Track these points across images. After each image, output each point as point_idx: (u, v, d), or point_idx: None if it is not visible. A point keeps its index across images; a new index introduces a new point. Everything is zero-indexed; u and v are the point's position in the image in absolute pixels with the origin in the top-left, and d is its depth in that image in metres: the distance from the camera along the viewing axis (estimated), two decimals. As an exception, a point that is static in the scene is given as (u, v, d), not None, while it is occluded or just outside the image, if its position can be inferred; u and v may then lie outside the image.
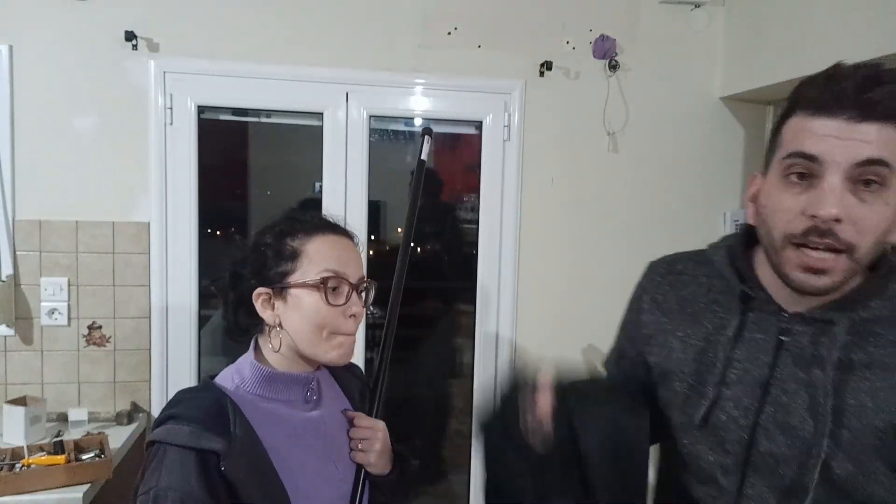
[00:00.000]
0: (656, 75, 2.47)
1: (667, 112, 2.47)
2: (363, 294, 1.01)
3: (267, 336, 0.99)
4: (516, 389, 0.85)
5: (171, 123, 2.23)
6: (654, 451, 0.96)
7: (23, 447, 1.82)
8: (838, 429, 0.79)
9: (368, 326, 2.43)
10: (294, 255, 0.95)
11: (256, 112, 2.40)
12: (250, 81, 2.26)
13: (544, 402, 0.83)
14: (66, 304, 2.20)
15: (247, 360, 1.00)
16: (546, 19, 2.39)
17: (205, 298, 2.29)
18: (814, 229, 0.75)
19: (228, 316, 1.01)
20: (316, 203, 2.38)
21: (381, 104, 2.37)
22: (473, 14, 2.36)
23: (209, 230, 2.32)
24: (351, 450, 1.03)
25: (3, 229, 2.14)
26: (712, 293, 0.91)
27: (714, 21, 2.49)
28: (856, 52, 1.84)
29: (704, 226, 2.43)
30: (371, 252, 2.48)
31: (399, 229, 2.70)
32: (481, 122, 2.43)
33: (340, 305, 0.95)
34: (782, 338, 0.84)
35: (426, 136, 1.25)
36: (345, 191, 2.35)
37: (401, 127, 2.55)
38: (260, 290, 0.96)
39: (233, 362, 1.02)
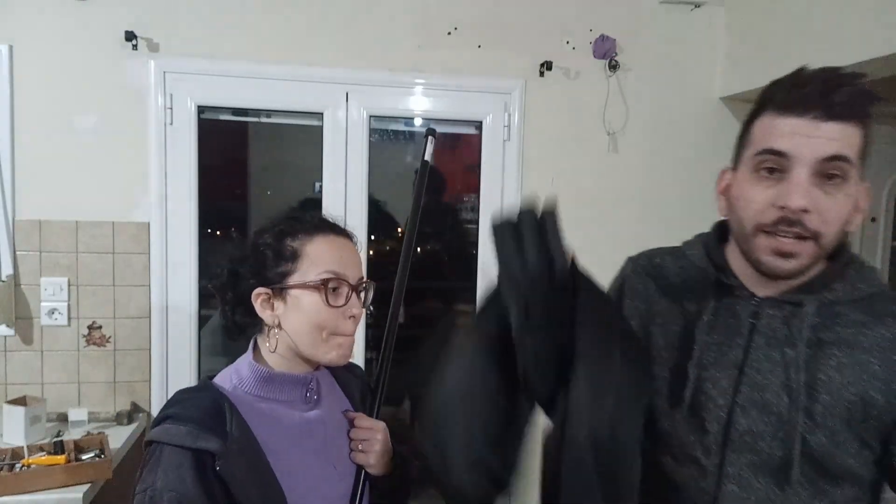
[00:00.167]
0: (656, 75, 2.47)
1: (667, 112, 2.48)
2: (362, 294, 1.01)
3: (265, 336, 0.99)
4: (546, 215, 0.79)
5: (171, 123, 2.23)
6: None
7: (23, 447, 1.82)
8: (811, 403, 0.84)
9: (368, 326, 2.42)
10: (294, 256, 0.95)
11: (256, 112, 2.40)
12: (250, 81, 2.26)
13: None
14: (66, 304, 2.20)
15: (245, 360, 1.00)
16: (546, 19, 2.39)
17: (205, 298, 2.29)
18: (783, 219, 0.81)
19: (226, 315, 1.01)
20: (316, 203, 2.38)
21: (381, 104, 2.37)
22: (473, 14, 2.36)
23: (209, 230, 2.32)
24: (351, 450, 1.03)
25: (3, 229, 2.14)
26: (688, 283, 0.96)
27: (714, 21, 2.49)
28: (856, 51, 1.84)
29: (704, 225, 2.40)
30: (371, 252, 2.48)
31: (400, 230, 2.71)
32: (481, 122, 2.43)
33: (340, 306, 0.95)
34: (755, 321, 0.89)
35: (430, 137, 1.25)
36: (345, 191, 2.35)
37: (401, 127, 2.55)
38: (259, 290, 0.95)
39: (233, 362, 1.02)
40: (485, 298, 0.84)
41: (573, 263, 0.82)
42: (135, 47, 2.16)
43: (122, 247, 2.23)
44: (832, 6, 1.94)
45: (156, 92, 2.20)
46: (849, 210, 0.84)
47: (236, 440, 0.87)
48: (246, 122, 2.51)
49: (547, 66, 2.38)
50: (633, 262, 1.07)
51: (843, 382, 0.84)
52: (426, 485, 1.10)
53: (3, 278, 2.15)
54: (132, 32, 2.14)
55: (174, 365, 2.28)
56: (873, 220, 2.76)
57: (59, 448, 1.83)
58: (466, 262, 2.55)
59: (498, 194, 2.43)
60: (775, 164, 0.83)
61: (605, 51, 2.39)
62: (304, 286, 0.94)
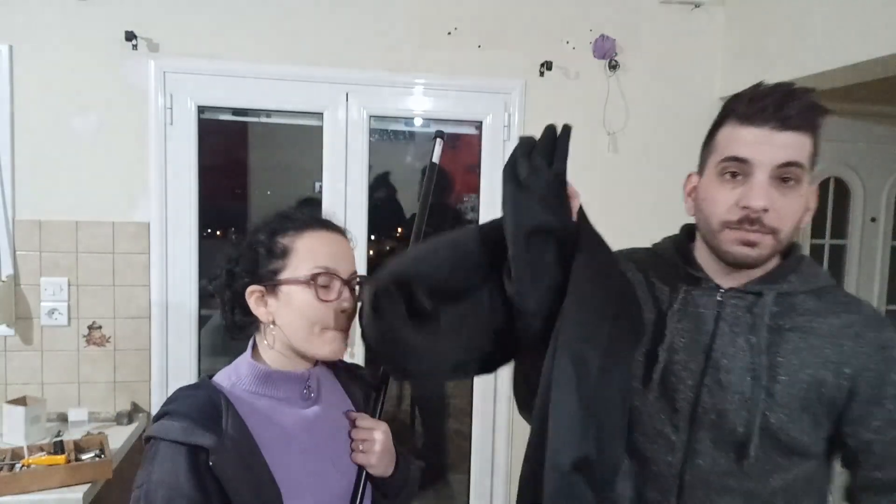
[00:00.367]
0: (656, 75, 2.47)
1: (667, 112, 2.48)
2: (356, 289, 1.01)
3: (263, 334, 1.00)
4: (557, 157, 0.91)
5: (171, 123, 2.23)
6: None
7: (23, 447, 1.82)
8: (772, 384, 0.94)
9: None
10: (285, 253, 0.96)
11: (256, 112, 2.40)
12: (250, 81, 2.26)
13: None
14: (66, 304, 2.20)
15: (244, 359, 1.01)
16: (546, 19, 2.39)
17: (205, 298, 2.29)
18: (746, 218, 0.92)
19: (226, 314, 1.02)
20: (315, 202, 2.38)
21: (381, 104, 2.37)
22: (473, 14, 2.36)
23: (209, 230, 2.32)
24: (352, 451, 1.03)
25: (3, 229, 2.14)
26: (661, 276, 1.07)
27: (714, 21, 2.49)
28: (855, 51, 1.84)
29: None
30: (371, 252, 2.48)
31: (400, 230, 2.71)
32: (481, 122, 2.43)
33: (331, 301, 0.96)
34: (720, 310, 0.99)
35: (438, 139, 1.25)
36: (345, 191, 2.35)
37: (401, 127, 2.55)
38: (252, 287, 0.97)
39: (233, 362, 1.03)
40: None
41: (580, 211, 0.95)
42: (135, 47, 2.16)
43: (122, 247, 2.23)
44: (832, 6, 1.94)
45: (156, 92, 2.20)
46: (801, 209, 0.95)
47: (231, 436, 0.88)
48: (246, 122, 2.51)
49: (547, 66, 2.38)
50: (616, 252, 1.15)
51: (799, 365, 0.94)
52: (424, 485, 1.10)
53: (3, 278, 2.15)
54: (132, 32, 2.14)
55: (174, 365, 2.28)
56: (873, 220, 2.76)
57: (59, 448, 1.83)
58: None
59: (498, 194, 2.43)
60: (738, 170, 0.93)
61: (605, 51, 2.39)
62: (294, 282, 0.95)
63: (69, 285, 2.20)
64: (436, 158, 1.22)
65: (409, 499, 1.12)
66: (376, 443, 1.03)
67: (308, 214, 1.01)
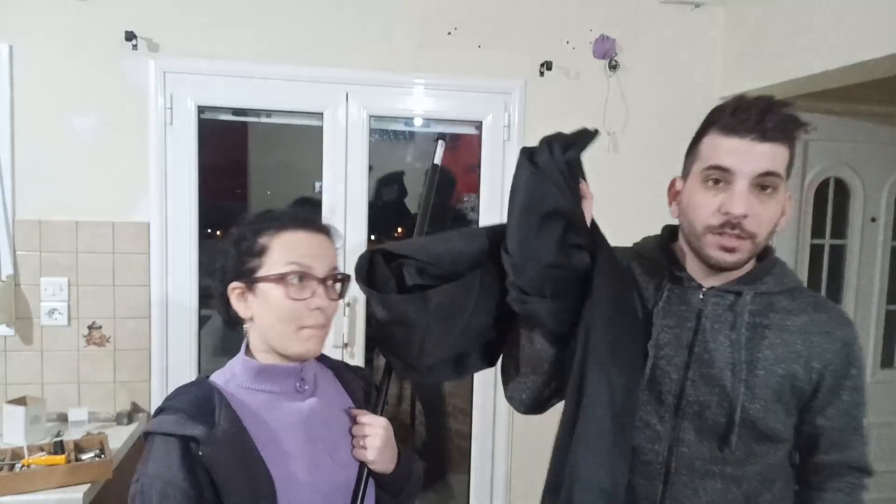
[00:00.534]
0: (656, 75, 2.47)
1: (667, 112, 2.47)
2: (338, 286, 1.03)
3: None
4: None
5: (171, 123, 2.23)
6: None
7: (23, 447, 1.83)
8: (750, 377, 1.01)
9: (369, 326, 2.42)
10: (262, 251, 0.98)
11: (256, 112, 2.40)
12: (250, 81, 2.26)
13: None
14: (66, 304, 2.20)
15: (238, 356, 1.03)
16: (546, 19, 2.39)
17: (205, 298, 2.29)
18: (727, 223, 0.98)
19: (220, 310, 1.05)
20: (309, 200, 2.39)
21: (381, 104, 2.37)
22: (473, 14, 2.36)
23: (209, 230, 2.32)
24: (353, 447, 1.04)
25: (3, 229, 2.14)
26: (645, 275, 1.12)
27: (714, 21, 2.49)
28: (855, 51, 1.84)
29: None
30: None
31: (400, 229, 2.71)
32: (481, 122, 2.43)
33: (303, 299, 0.97)
34: (702, 308, 1.06)
35: (440, 142, 1.27)
36: (345, 191, 2.35)
37: (401, 127, 2.55)
38: (233, 284, 0.99)
39: None
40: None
41: (594, 224, 1.03)
42: (135, 47, 2.16)
43: (122, 247, 2.23)
44: (832, 6, 1.94)
45: (156, 92, 2.20)
46: (778, 214, 1.01)
47: (223, 428, 0.90)
48: (246, 122, 2.51)
49: (547, 66, 2.38)
50: None
51: (774, 360, 1.02)
52: (425, 486, 1.12)
53: (3, 278, 2.15)
54: (132, 32, 2.14)
55: (174, 365, 2.29)
56: (873, 220, 2.76)
57: (59, 448, 1.83)
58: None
59: (498, 194, 2.43)
60: (720, 177, 0.99)
61: (605, 51, 2.39)
62: (268, 280, 0.97)
63: (69, 285, 2.20)
64: (437, 160, 1.24)
65: (412, 496, 1.13)
66: (377, 438, 1.03)
67: (289, 213, 1.03)
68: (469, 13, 2.36)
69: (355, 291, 2.47)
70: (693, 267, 1.08)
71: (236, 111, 2.38)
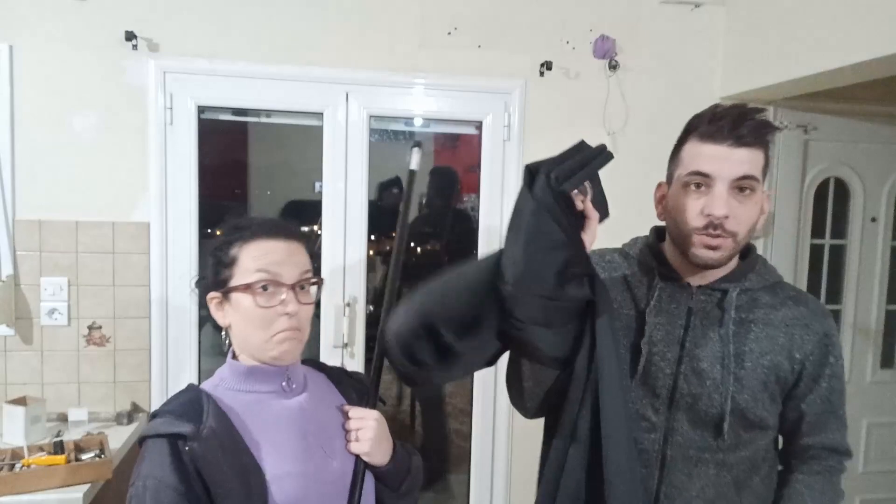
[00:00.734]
0: (656, 75, 2.47)
1: (667, 112, 2.47)
2: (313, 289, 1.06)
3: None
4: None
5: (171, 123, 2.23)
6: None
7: (23, 447, 1.82)
8: (738, 370, 1.09)
9: (369, 326, 2.42)
10: (232, 262, 1.03)
11: (256, 112, 2.40)
12: (250, 81, 2.26)
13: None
14: (66, 304, 2.20)
15: (227, 362, 1.07)
16: (546, 19, 2.39)
17: (204, 299, 2.28)
18: (710, 224, 1.05)
19: (209, 316, 1.09)
20: (301, 203, 2.43)
21: (381, 104, 2.37)
22: (473, 14, 2.36)
23: (209, 230, 2.32)
24: (347, 441, 1.06)
25: (3, 229, 2.14)
26: (636, 275, 1.19)
27: (714, 21, 2.49)
28: (855, 52, 1.84)
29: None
30: (371, 252, 2.48)
31: (393, 233, 2.70)
32: (481, 122, 2.43)
33: (271, 307, 1.00)
34: (691, 305, 1.12)
35: (415, 148, 1.31)
36: (345, 191, 2.35)
37: (401, 127, 2.55)
38: (211, 294, 1.05)
39: None
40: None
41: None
42: (135, 47, 2.16)
43: (122, 247, 2.23)
44: (832, 6, 1.94)
45: (156, 92, 2.20)
46: (757, 213, 1.08)
47: (210, 426, 0.93)
48: (246, 122, 2.51)
49: (547, 66, 2.38)
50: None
51: (760, 352, 1.10)
52: (425, 486, 1.13)
53: (3, 278, 2.15)
54: (132, 32, 2.14)
55: (174, 365, 2.29)
56: (873, 220, 2.76)
57: (59, 448, 1.83)
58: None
59: (498, 194, 2.43)
60: (701, 182, 1.06)
61: (605, 51, 2.39)
62: (237, 289, 1.01)
63: (69, 285, 2.20)
64: (414, 166, 1.27)
65: (412, 489, 1.14)
66: (369, 430, 1.05)
67: (257, 223, 1.06)
68: (469, 13, 2.36)
69: (355, 292, 2.48)
70: (681, 266, 1.14)
71: (236, 111, 2.38)
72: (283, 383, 1.05)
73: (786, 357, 1.10)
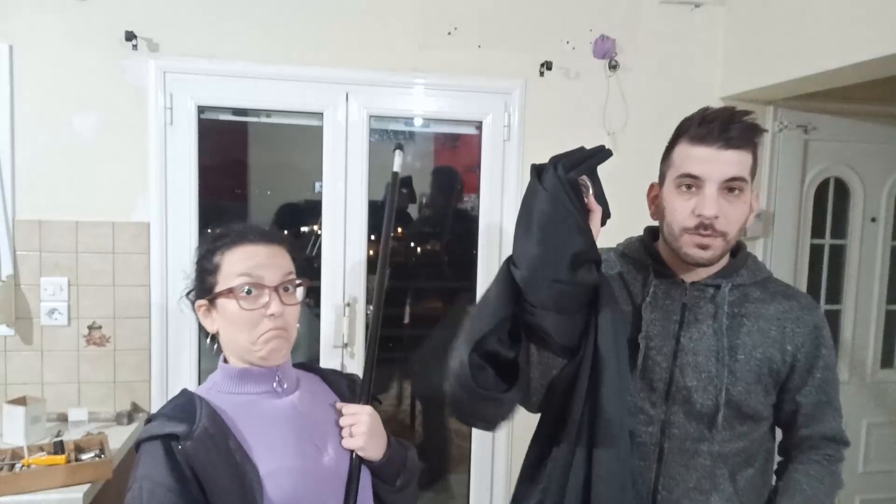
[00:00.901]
0: (656, 75, 2.47)
1: (667, 112, 2.46)
2: (299, 290, 1.07)
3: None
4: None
5: (171, 123, 2.23)
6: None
7: (23, 447, 1.82)
8: (732, 363, 1.12)
9: (367, 326, 2.42)
10: (216, 268, 1.05)
11: (256, 112, 2.40)
12: (250, 81, 2.26)
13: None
14: (66, 304, 2.20)
15: (219, 367, 1.09)
16: (546, 19, 2.39)
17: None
18: (701, 224, 1.08)
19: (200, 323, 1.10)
20: (295, 206, 2.47)
21: (381, 104, 2.37)
22: (473, 14, 2.36)
23: (209, 230, 2.31)
24: (342, 437, 1.07)
25: (3, 229, 2.14)
26: (632, 272, 1.23)
27: (714, 21, 2.49)
28: (855, 52, 1.84)
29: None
30: (371, 252, 2.48)
31: (399, 229, 2.71)
32: (481, 122, 2.43)
33: (255, 310, 1.02)
34: (686, 301, 1.16)
35: (398, 151, 1.36)
36: (345, 191, 2.35)
37: (401, 127, 2.55)
38: (198, 301, 1.07)
39: None
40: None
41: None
42: (135, 47, 2.16)
43: (122, 247, 2.23)
44: (832, 6, 1.94)
45: (156, 92, 2.20)
46: (746, 212, 1.12)
47: (203, 425, 0.95)
48: (246, 122, 2.51)
49: (547, 66, 2.38)
50: None
51: (752, 345, 1.13)
52: (424, 486, 1.13)
53: (3, 278, 2.15)
54: (132, 32, 2.14)
55: (174, 365, 2.29)
56: (873, 220, 2.76)
57: (59, 448, 1.83)
58: (468, 261, 2.55)
59: (498, 194, 2.43)
60: (692, 183, 1.09)
61: (605, 51, 2.39)
62: (222, 294, 1.03)
63: (69, 285, 2.20)
64: (396, 168, 1.29)
65: (408, 483, 1.15)
66: (362, 424, 1.07)
67: (238, 229, 1.08)
68: (469, 13, 2.36)
69: (355, 292, 2.48)
70: (674, 264, 1.18)
71: (236, 111, 2.38)
72: (275, 384, 1.06)
73: (778, 350, 1.14)
